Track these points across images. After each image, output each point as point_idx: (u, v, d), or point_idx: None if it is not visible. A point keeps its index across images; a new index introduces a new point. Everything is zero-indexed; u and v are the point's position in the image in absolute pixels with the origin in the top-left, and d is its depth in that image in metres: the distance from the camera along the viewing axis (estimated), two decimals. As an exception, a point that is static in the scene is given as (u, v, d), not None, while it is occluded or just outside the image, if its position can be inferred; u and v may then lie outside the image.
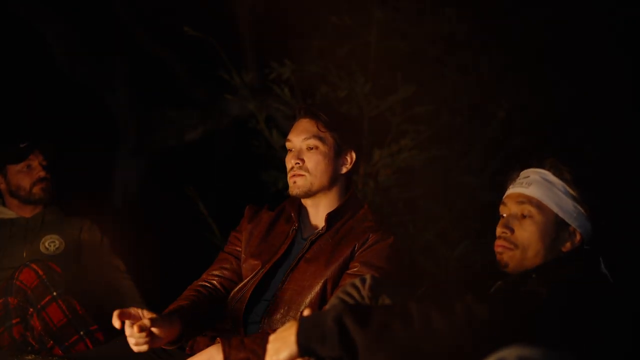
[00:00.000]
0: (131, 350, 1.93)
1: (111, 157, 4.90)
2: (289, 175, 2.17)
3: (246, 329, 2.11)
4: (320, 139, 2.14)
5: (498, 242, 1.81)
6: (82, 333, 2.56)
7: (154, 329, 1.88)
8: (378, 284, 1.71)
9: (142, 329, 1.86)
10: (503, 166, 3.54)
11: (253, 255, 2.19)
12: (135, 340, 1.88)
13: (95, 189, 4.31)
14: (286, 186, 2.20)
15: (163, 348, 2.05)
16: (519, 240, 1.78)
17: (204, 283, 2.20)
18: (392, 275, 2.05)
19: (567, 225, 1.78)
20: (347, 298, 1.69)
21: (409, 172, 3.64)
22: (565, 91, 3.78)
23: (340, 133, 2.16)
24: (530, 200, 1.79)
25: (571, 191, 1.78)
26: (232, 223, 2.34)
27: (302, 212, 2.22)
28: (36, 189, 2.96)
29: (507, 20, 3.82)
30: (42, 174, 2.97)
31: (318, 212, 2.19)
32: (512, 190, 1.84)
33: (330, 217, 2.15)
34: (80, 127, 4.52)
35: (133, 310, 1.90)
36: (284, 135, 3.69)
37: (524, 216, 1.79)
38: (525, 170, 1.85)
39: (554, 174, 1.80)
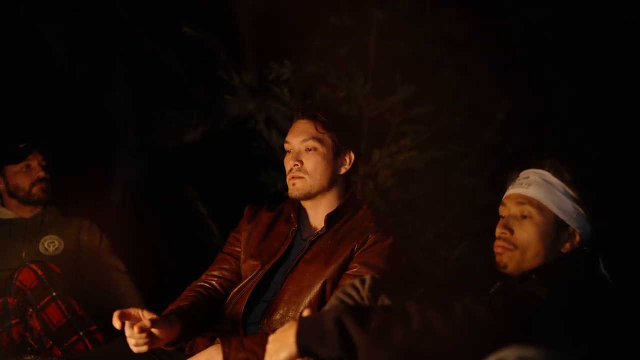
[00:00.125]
0: (131, 350, 1.93)
1: (111, 157, 4.90)
2: (288, 177, 2.17)
3: (245, 329, 2.11)
4: (319, 140, 2.14)
5: (497, 243, 1.81)
6: (81, 333, 2.56)
7: (154, 330, 1.88)
8: (377, 284, 1.71)
9: (142, 329, 1.86)
10: (502, 167, 3.54)
11: (252, 255, 2.19)
12: (135, 341, 1.88)
13: (94, 189, 4.30)
14: (286, 187, 2.20)
15: (162, 349, 2.05)
16: (519, 240, 1.78)
17: (203, 283, 2.20)
18: (392, 275, 2.05)
19: (567, 226, 1.78)
20: (346, 299, 1.69)
21: (408, 172, 3.64)
22: (565, 92, 3.78)
23: (339, 134, 2.16)
24: (530, 201, 1.79)
25: (571, 192, 1.78)
26: (232, 223, 2.34)
27: (302, 212, 2.23)
28: (35, 189, 2.96)
29: (507, 21, 3.82)
30: (41, 174, 2.96)
31: (317, 213, 2.19)
32: (511, 190, 1.84)
33: (330, 218, 2.15)
34: (79, 127, 4.51)
35: (133, 311, 1.90)
36: (284, 135, 3.69)
37: (523, 217, 1.79)
38: (525, 171, 1.85)
39: (554, 174, 1.80)
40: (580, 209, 1.77)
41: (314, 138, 2.13)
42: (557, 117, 3.80)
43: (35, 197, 2.97)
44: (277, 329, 1.80)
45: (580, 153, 3.64)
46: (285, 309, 2.07)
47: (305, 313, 1.58)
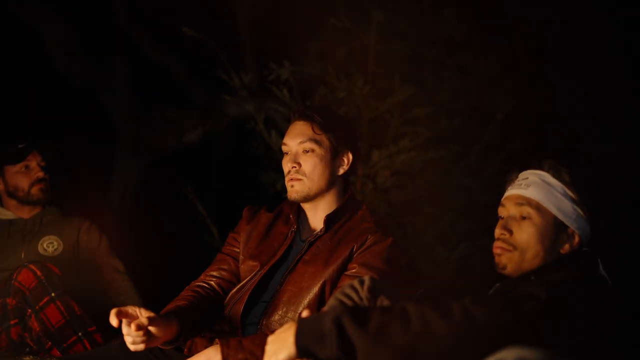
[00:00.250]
0: (129, 351, 1.92)
1: (110, 157, 4.90)
2: (286, 179, 2.17)
3: (244, 330, 2.11)
4: (316, 141, 2.14)
5: (497, 244, 1.81)
6: (80, 334, 2.56)
7: (151, 328, 1.88)
8: (376, 285, 1.71)
9: (139, 327, 1.85)
10: (502, 167, 3.54)
11: (251, 256, 2.19)
12: (132, 338, 1.87)
13: (94, 190, 4.30)
14: (284, 187, 2.20)
15: (160, 348, 2.05)
16: (518, 241, 1.78)
17: (201, 284, 2.20)
18: (391, 276, 2.04)
19: (566, 227, 1.78)
20: (345, 299, 1.69)
21: (407, 173, 3.64)
22: (564, 92, 3.78)
23: (336, 134, 2.16)
24: (529, 202, 1.79)
25: (570, 193, 1.78)
26: (231, 224, 2.34)
27: (301, 213, 2.23)
28: (34, 190, 2.96)
29: (506, 22, 3.82)
30: (40, 174, 2.96)
31: (317, 214, 2.19)
32: (511, 191, 1.84)
33: (329, 219, 2.15)
34: (79, 127, 4.52)
35: (131, 309, 1.90)
36: (283, 136, 3.70)
37: (522, 218, 1.79)
38: (524, 172, 1.85)
39: (553, 175, 1.80)
40: (579, 210, 1.77)
41: (311, 139, 2.14)
42: (557, 118, 3.80)
43: (35, 198, 2.97)
44: (276, 329, 1.81)
45: (579, 154, 3.64)
46: (284, 309, 2.07)
47: (304, 314, 1.58)
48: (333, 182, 2.17)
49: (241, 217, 2.30)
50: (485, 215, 3.31)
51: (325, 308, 1.72)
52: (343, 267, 2.09)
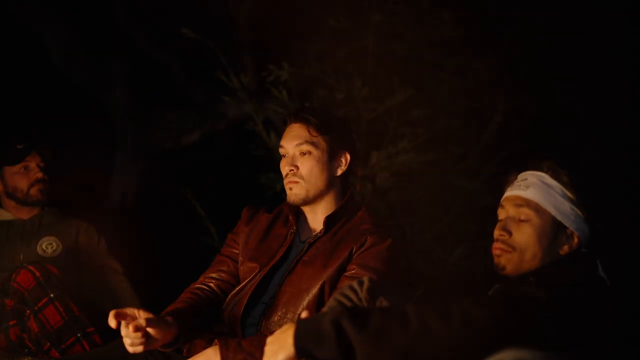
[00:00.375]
0: (128, 352, 1.92)
1: (109, 158, 4.89)
2: (284, 182, 2.18)
3: (244, 331, 2.11)
4: (313, 143, 2.14)
5: (496, 245, 1.81)
6: (79, 335, 2.56)
7: (149, 330, 1.88)
8: (376, 286, 1.72)
9: (137, 329, 1.85)
10: (500, 169, 3.55)
11: (251, 257, 2.19)
12: (130, 340, 1.87)
13: (92, 191, 4.30)
14: (283, 188, 2.21)
15: (160, 350, 2.05)
16: (517, 243, 1.78)
17: (201, 286, 2.20)
18: (390, 277, 2.05)
19: (565, 228, 1.78)
20: (344, 300, 1.69)
21: (406, 174, 3.64)
22: (562, 94, 3.79)
23: (332, 135, 2.16)
24: (528, 203, 1.79)
25: (569, 194, 1.78)
26: (230, 225, 2.34)
27: (300, 214, 2.23)
28: (33, 191, 2.96)
29: (504, 24, 3.83)
30: (39, 175, 2.96)
31: (316, 215, 2.19)
32: (509, 192, 1.85)
33: (329, 220, 2.15)
34: (78, 128, 4.51)
35: (129, 311, 1.89)
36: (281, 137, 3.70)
37: (521, 219, 1.79)
38: (523, 173, 1.86)
39: (552, 176, 1.80)
40: (578, 211, 1.78)
41: (308, 142, 2.14)
42: (555, 119, 3.80)
43: (33, 199, 2.96)
44: (275, 330, 1.80)
45: (578, 155, 3.65)
46: (284, 310, 2.07)
47: (304, 315, 1.58)
48: (331, 183, 2.18)
49: (240, 218, 2.30)
50: (484, 216, 3.31)
51: (325, 309, 1.73)
52: (342, 268, 2.09)
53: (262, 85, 3.93)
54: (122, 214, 4.73)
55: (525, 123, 3.81)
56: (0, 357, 2.49)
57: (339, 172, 2.19)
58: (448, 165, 3.71)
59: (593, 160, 3.60)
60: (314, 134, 2.14)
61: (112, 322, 1.86)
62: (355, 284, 1.72)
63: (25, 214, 2.99)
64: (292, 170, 2.14)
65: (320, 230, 2.15)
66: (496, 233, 1.82)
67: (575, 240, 1.78)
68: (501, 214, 1.84)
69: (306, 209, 2.20)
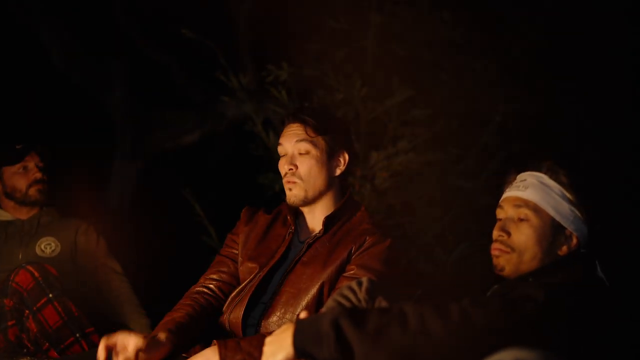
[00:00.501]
0: (127, 352, 1.93)
1: (108, 158, 4.89)
2: (283, 181, 2.18)
3: (244, 332, 2.11)
4: (312, 143, 2.14)
5: (495, 246, 1.81)
6: (77, 335, 2.55)
7: (141, 355, 1.91)
8: (375, 286, 1.71)
9: None
10: (500, 169, 3.55)
11: (250, 258, 2.19)
12: None
13: (92, 191, 4.30)
14: (283, 189, 2.21)
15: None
16: (516, 243, 1.78)
17: (201, 289, 2.19)
18: (389, 277, 2.05)
19: (564, 228, 1.78)
20: (343, 301, 1.69)
21: (406, 175, 3.64)
22: (562, 95, 3.79)
23: (331, 135, 2.16)
24: (527, 204, 1.79)
25: (568, 195, 1.78)
26: (229, 225, 2.33)
27: (299, 215, 2.23)
28: (32, 191, 2.96)
29: (504, 24, 3.83)
30: (38, 175, 2.96)
31: (315, 215, 2.19)
32: (509, 193, 1.85)
33: (328, 220, 2.15)
34: (77, 128, 4.51)
35: (120, 337, 1.93)
36: (281, 137, 3.69)
37: (520, 219, 1.79)
38: (522, 174, 1.85)
39: (551, 177, 1.80)
40: (577, 212, 1.78)
41: (307, 141, 2.14)
42: (555, 120, 3.80)
43: (32, 199, 2.96)
44: (274, 331, 1.81)
45: (577, 156, 3.65)
46: (283, 311, 2.07)
47: (303, 315, 1.58)
48: (330, 183, 2.18)
49: (239, 218, 2.30)
50: (483, 217, 3.31)
51: (324, 309, 1.73)
52: (341, 269, 2.09)
53: (261, 85, 3.93)
54: (121, 214, 4.73)
55: (525, 124, 3.81)
56: (-1, 357, 2.49)
57: (338, 172, 2.19)
58: (447, 166, 3.71)
59: (592, 160, 3.60)
60: (313, 133, 2.14)
61: (101, 355, 1.89)
62: (354, 285, 1.72)
63: (24, 214, 2.99)
64: (291, 169, 2.14)
65: (320, 231, 2.15)
66: (495, 234, 1.82)
67: (574, 241, 1.78)
68: (500, 214, 1.84)
69: (305, 210, 2.20)
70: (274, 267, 2.14)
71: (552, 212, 1.77)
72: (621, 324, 1.65)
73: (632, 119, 3.70)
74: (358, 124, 3.60)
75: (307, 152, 2.14)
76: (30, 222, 2.98)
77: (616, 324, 1.64)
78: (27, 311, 2.56)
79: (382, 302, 1.68)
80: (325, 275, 2.08)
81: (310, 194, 2.15)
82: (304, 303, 2.06)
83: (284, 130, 2.19)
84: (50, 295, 2.55)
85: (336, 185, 2.20)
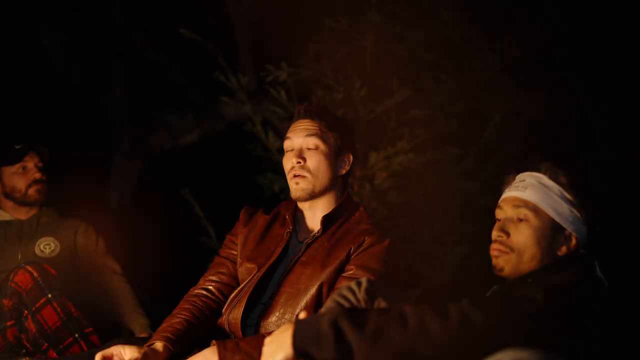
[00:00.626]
0: (126, 352, 1.94)
1: (108, 158, 4.89)
2: (289, 176, 2.16)
3: (244, 332, 2.11)
4: (322, 138, 2.14)
5: (494, 246, 1.81)
6: (76, 335, 2.55)
7: None
8: (374, 287, 1.71)
9: None
10: (499, 170, 3.55)
11: (249, 258, 2.19)
12: None
13: (91, 191, 4.30)
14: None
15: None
16: (515, 244, 1.78)
17: (200, 291, 2.19)
18: (388, 278, 2.04)
19: (563, 229, 1.78)
20: (342, 301, 1.69)
21: (405, 175, 3.64)
22: (561, 95, 3.79)
23: (340, 135, 2.17)
24: (526, 204, 1.79)
25: (567, 195, 1.78)
26: (228, 226, 2.33)
27: (298, 214, 2.22)
28: (31, 191, 2.95)
29: (504, 25, 3.83)
30: (37, 175, 2.96)
31: (315, 214, 2.19)
32: (508, 193, 1.85)
33: (326, 220, 2.15)
34: (76, 129, 4.51)
35: (115, 350, 1.95)
36: (280, 138, 3.70)
37: (520, 220, 1.79)
38: (522, 174, 1.86)
39: (550, 177, 1.80)
40: (576, 212, 1.78)
41: (317, 136, 2.14)
42: (554, 120, 3.81)
43: (32, 199, 2.96)
44: (273, 331, 1.80)
45: (576, 156, 3.65)
46: (282, 311, 2.07)
47: (302, 315, 1.57)
48: (334, 182, 2.18)
49: (238, 218, 2.30)
50: (482, 217, 3.31)
51: (323, 309, 1.72)
52: (340, 269, 2.08)
53: (260, 85, 3.93)
54: (120, 215, 4.72)
55: (524, 124, 3.81)
56: (-2, 358, 2.49)
57: (342, 171, 2.19)
58: (447, 166, 3.71)
59: (591, 161, 3.61)
60: (324, 130, 2.14)
61: None
62: (353, 285, 1.72)
63: (23, 214, 2.99)
64: (300, 162, 2.13)
65: (318, 230, 2.15)
66: (494, 234, 1.82)
67: (573, 241, 1.78)
68: (499, 214, 1.84)
69: (306, 206, 2.19)
70: (272, 267, 2.14)
71: (551, 213, 1.77)
72: (620, 324, 1.64)
73: (632, 119, 3.70)
74: (357, 124, 3.60)
75: (317, 147, 2.14)
76: (29, 222, 2.98)
77: (615, 324, 1.64)
78: (26, 311, 2.55)
79: (381, 303, 1.68)
80: (324, 275, 2.07)
81: (317, 189, 2.14)
82: (303, 303, 2.06)
83: (293, 125, 2.19)
84: (50, 296, 2.54)
85: (339, 185, 2.20)
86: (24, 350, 2.58)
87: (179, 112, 4.88)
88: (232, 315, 2.11)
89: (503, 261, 1.79)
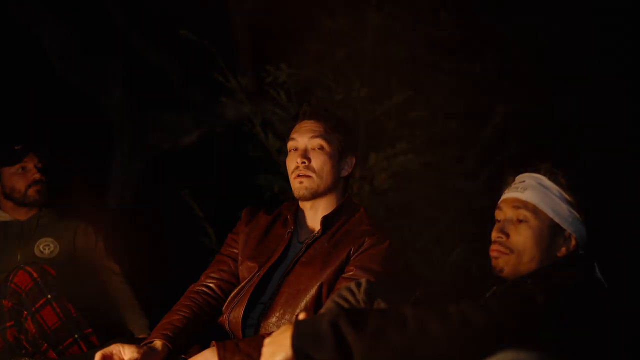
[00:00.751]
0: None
1: (107, 160, 4.89)
2: (292, 176, 2.16)
3: (243, 332, 2.11)
4: (327, 139, 2.15)
5: (493, 247, 1.81)
6: (76, 336, 2.55)
7: None
8: (373, 288, 1.71)
9: None
10: (498, 171, 3.55)
11: (250, 257, 2.19)
12: None
13: (90, 192, 4.29)
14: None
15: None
16: (515, 244, 1.78)
17: (201, 288, 2.19)
18: (388, 279, 2.05)
19: (563, 230, 1.78)
20: (342, 302, 1.69)
21: (404, 176, 3.64)
22: (561, 96, 3.79)
23: (344, 137, 2.19)
24: (525, 205, 1.79)
25: (566, 196, 1.78)
26: (228, 226, 2.33)
27: (299, 215, 2.23)
28: (31, 191, 2.95)
29: (503, 25, 3.83)
30: (37, 176, 2.96)
31: (316, 215, 2.19)
32: (507, 194, 1.85)
33: (326, 221, 2.15)
34: (76, 129, 4.51)
35: (114, 349, 1.95)
36: (280, 138, 3.70)
37: (519, 221, 1.79)
38: (521, 175, 1.86)
39: (549, 178, 1.81)
40: (575, 213, 1.78)
41: (322, 137, 2.15)
42: (553, 121, 3.81)
43: (31, 199, 2.96)
44: (273, 331, 1.81)
45: (575, 157, 3.65)
46: (282, 311, 2.07)
47: (301, 316, 1.57)
48: (337, 183, 2.19)
49: (239, 218, 2.30)
50: (482, 218, 3.32)
51: (322, 310, 1.73)
52: (340, 270, 2.09)
53: (260, 86, 3.92)
54: (120, 215, 4.72)
55: (524, 124, 3.81)
56: (-3, 358, 2.49)
57: (345, 173, 2.20)
58: (446, 167, 3.71)
59: (591, 162, 3.61)
60: (329, 131, 2.15)
61: None
62: (353, 286, 1.72)
63: (22, 214, 2.99)
64: (304, 162, 2.13)
65: (318, 231, 2.15)
66: (494, 235, 1.82)
67: (573, 242, 1.78)
68: (499, 215, 1.84)
69: (307, 208, 2.20)
70: (273, 267, 2.14)
71: (550, 214, 1.78)
72: (619, 325, 1.65)
73: (632, 120, 3.70)
74: (357, 125, 3.60)
75: (322, 148, 2.14)
76: (29, 223, 2.98)
77: (615, 325, 1.64)
78: (25, 312, 2.55)
79: (380, 304, 1.68)
80: (324, 276, 2.08)
81: (321, 188, 2.15)
82: (302, 304, 2.06)
83: (297, 126, 2.19)
84: (49, 296, 2.54)
85: (340, 187, 2.21)
86: (23, 351, 2.58)
87: (179, 113, 4.88)
88: (233, 314, 2.11)
89: (503, 262, 1.79)
